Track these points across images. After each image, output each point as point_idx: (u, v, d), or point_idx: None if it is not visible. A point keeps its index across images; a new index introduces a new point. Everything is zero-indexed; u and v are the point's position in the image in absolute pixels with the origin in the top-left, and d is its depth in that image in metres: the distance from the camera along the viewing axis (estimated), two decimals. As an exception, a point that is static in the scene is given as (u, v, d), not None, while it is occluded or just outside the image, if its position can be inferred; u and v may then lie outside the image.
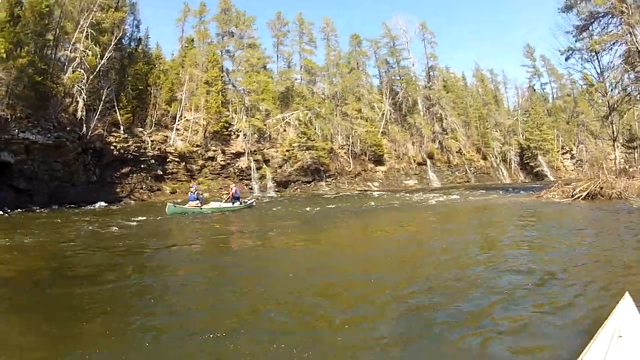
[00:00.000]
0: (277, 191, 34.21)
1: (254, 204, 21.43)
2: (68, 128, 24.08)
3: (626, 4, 23.69)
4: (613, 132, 28.31)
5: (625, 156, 37.80)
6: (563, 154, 56.83)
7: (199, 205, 17.97)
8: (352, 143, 41.23)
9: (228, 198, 20.34)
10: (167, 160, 31.45)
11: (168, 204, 17.24)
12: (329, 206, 21.09)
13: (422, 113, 49.07)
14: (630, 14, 23.52)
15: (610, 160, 32.95)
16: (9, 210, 18.24)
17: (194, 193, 18.60)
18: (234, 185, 22.22)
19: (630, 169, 26.49)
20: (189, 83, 34.00)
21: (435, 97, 49.50)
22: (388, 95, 48.21)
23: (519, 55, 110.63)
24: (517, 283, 5.35)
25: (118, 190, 27.36)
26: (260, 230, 12.87)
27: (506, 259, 6.91)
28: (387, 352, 3.62)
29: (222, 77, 37.21)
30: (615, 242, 8.69)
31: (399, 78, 50.45)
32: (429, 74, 51.68)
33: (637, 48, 23.46)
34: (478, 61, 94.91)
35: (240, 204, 20.11)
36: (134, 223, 13.64)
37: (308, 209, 19.72)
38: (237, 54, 40.08)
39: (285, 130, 38.01)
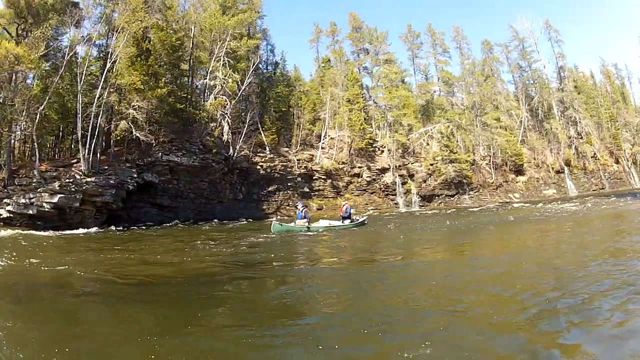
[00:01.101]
0: (422, 205, 31.14)
1: (366, 222, 19.16)
2: (214, 150, 24.54)
3: None
4: None
5: None
6: None
7: (307, 224, 16.49)
8: (493, 154, 36.47)
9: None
10: (314, 177, 30.03)
11: (273, 222, 16.04)
12: (470, 219, 20.12)
13: (557, 117, 42.44)
14: None
15: None
16: (149, 225, 19.70)
17: (302, 211, 17.09)
18: (345, 202, 20.29)
19: None
20: (330, 102, 31.91)
21: (568, 100, 42.38)
22: (524, 101, 41.87)
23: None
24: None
25: (264, 207, 26.93)
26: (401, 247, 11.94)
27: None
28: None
29: (362, 94, 34.50)
30: None
31: (532, 82, 44.13)
32: (560, 75, 44.48)
33: None
34: (603, 56, 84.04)
35: (352, 221, 18.01)
36: (261, 239, 13.29)
37: (448, 222, 18.90)
38: (374, 70, 37.37)
39: (428, 144, 34.13)
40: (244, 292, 6.19)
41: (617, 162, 46.14)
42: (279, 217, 22.48)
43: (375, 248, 12.37)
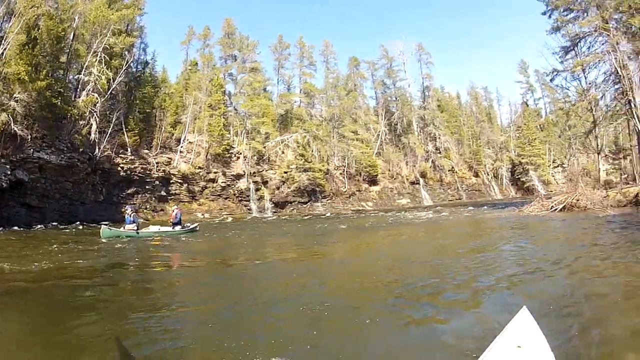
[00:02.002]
0: (275, 212, 37.59)
1: (198, 228, 21.54)
2: (80, 149, 27.07)
3: (609, 25, 27.90)
4: (597, 146, 33.06)
5: (612, 168, 42.96)
6: (554, 167, 62.17)
7: (135, 229, 18.24)
8: (347, 164, 45.28)
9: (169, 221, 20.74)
10: (171, 181, 34.49)
11: (103, 227, 17.35)
12: (324, 225, 24.25)
13: (416, 133, 53.69)
14: (612, 36, 27.57)
15: (597, 172, 36.49)
16: (13, 229, 20.83)
17: (130, 216, 18.73)
18: (176, 207, 22.09)
19: (615, 180, 32.38)
20: (193, 106, 37.40)
21: (429, 117, 54.18)
22: (384, 116, 52.75)
23: (514, 72, 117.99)
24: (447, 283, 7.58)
25: (123, 210, 28.40)
26: (259, 249, 15.20)
27: (457, 263, 9.41)
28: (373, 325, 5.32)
29: (224, 100, 40.58)
30: (558, 248, 11.49)
31: (394, 99, 55.11)
32: (424, 94, 56.43)
33: (617, 68, 27.36)
34: (473, 80, 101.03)
35: (182, 227, 20.26)
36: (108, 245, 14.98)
37: (307, 227, 23.47)
38: (239, 78, 43.93)
39: (283, 152, 41.63)
40: (106, 299, 7.03)
41: (477, 175, 58.76)
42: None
43: (227, 251, 14.77)
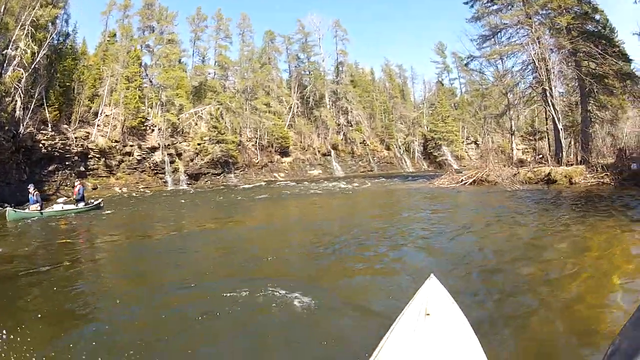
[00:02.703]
0: (189, 184, 43.18)
1: (102, 204, 22.54)
2: (6, 127, 28.99)
3: (531, 20, 31.57)
4: (511, 127, 39.40)
5: (528, 147, 50.97)
6: (468, 144, 73.65)
7: (39, 208, 19.02)
8: (259, 136, 52.61)
9: (72, 198, 22.06)
10: (89, 156, 37.88)
11: (8, 209, 18.32)
12: (237, 196, 27.73)
13: (328, 106, 62.66)
14: (534, 30, 31.39)
15: (510, 151, 41.54)
16: None
17: (34, 195, 19.31)
18: (78, 182, 22.96)
19: (529, 159, 36.07)
20: (110, 79, 41.98)
21: (342, 92, 63.25)
22: (296, 89, 61.39)
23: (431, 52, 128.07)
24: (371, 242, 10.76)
25: (46, 188, 31.46)
26: (179, 220, 17.78)
27: (363, 228, 12.77)
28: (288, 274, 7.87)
29: (140, 72, 45.87)
30: (464, 215, 14.75)
31: (308, 73, 63.73)
32: (338, 69, 65.44)
33: (534, 59, 31.70)
34: (388, 57, 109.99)
35: (86, 204, 21.33)
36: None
37: (221, 198, 26.91)
38: (156, 49, 48.81)
39: (197, 124, 47.88)
40: (42, 287, 7.75)
41: (388, 148, 68.89)
42: (60, 198, 25.53)
43: (143, 225, 16.45)
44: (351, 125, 63.24)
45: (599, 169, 23.96)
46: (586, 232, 11.03)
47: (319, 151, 58.91)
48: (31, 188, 19.81)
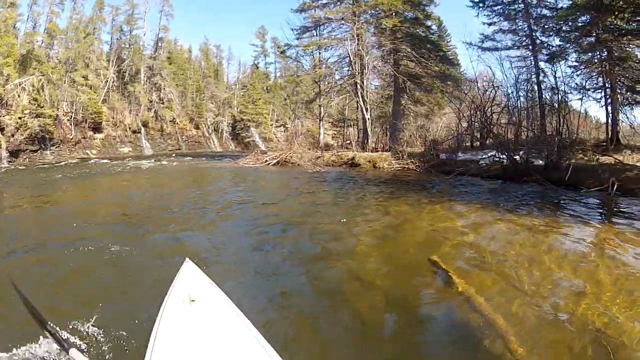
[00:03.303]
0: (10, 161, 43.01)
1: None
2: None
3: (356, 17, 36.40)
4: (320, 113, 44.80)
5: (337, 133, 58.89)
6: (277, 127, 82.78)
7: None
8: (75, 110, 55.63)
9: None
10: None
11: None
12: (54, 175, 28.03)
13: (142, 82, 68.66)
14: (356, 28, 36.02)
15: (318, 135, 46.03)
16: None
17: None
18: None
19: (336, 144, 43.25)
20: None
21: (158, 68, 69.74)
22: (115, 62, 66.35)
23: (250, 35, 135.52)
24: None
25: None
26: None
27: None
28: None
29: None
30: (263, 191, 18.37)
31: (128, 46, 68.99)
32: (157, 45, 71.95)
33: (350, 54, 36.77)
34: (208, 36, 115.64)
35: None
36: None
37: (38, 176, 27.76)
38: None
39: (20, 97, 49.09)
40: None
41: (197, 127, 75.94)
42: None
43: None
44: (163, 103, 68.70)
45: (405, 156, 27.68)
46: (382, 202, 14.65)
47: (129, 128, 63.09)
48: None
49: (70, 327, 5.40)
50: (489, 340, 5.43)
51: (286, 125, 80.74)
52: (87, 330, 5.41)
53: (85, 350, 4.93)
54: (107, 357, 4.90)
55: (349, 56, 37.40)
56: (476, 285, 7.07)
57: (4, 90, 46.22)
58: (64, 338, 3.76)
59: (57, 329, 4.69)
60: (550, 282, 7.25)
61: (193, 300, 4.29)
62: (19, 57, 50.95)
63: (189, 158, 45.90)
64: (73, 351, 3.54)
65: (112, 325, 5.52)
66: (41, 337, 4.08)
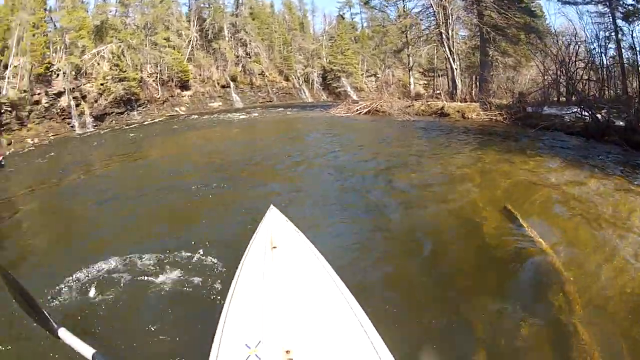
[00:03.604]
0: (95, 125, 46.20)
1: (3, 162, 22.46)
2: None
3: None
4: (409, 63, 45.32)
5: (427, 83, 59.31)
6: (368, 76, 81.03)
7: None
8: (160, 71, 57.54)
9: None
10: (2, 111, 39.51)
11: None
12: (142, 134, 30.63)
13: (227, 39, 69.37)
14: None
15: (408, 85, 46.97)
16: None
17: None
18: None
19: (427, 94, 43.34)
20: (18, 28, 43.88)
21: (241, 24, 69.94)
22: (195, 22, 67.16)
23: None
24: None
25: None
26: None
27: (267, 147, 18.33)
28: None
29: (45, 17, 48.67)
30: (354, 138, 19.49)
31: (207, 6, 69.57)
32: (238, 2, 71.89)
33: (432, 4, 37.12)
34: None
35: None
36: None
37: (128, 135, 30.47)
38: None
39: (99, 64, 51.48)
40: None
41: (287, 79, 76.08)
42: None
43: (58, 172, 18.09)
44: (250, 57, 69.18)
45: (492, 107, 27.83)
46: (471, 152, 14.97)
47: (218, 83, 64.37)
48: None
49: (153, 258, 6.90)
50: (548, 284, 6.07)
51: (377, 75, 78.57)
52: (171, 268, 6.67)
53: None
54: (195, 291, 5.91)
55: (432, 6, 37.08)
56: (560, 238, 7.67)
57: (82, 60, 48.48)
58: (51, 316, 3.54)
59: (46, 307, 5.13)
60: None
61: (275, 247, 4.49)
62: (92, 29, 52.65)
63: (280, 109, 47.22)
64: (62, 331, 3.45)
65: (196, 268, 6.55)
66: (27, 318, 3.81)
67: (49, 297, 6.17)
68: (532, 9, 36.66)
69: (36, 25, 45.60)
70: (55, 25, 50.58)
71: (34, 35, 44.85)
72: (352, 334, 3.29)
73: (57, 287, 6.48)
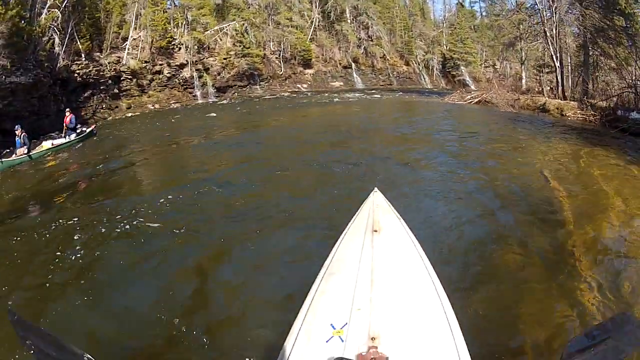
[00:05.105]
0: (217, 96, 45.10)
1: (95, 131, 21.98)
2: (46, 64, 30.04)
3: None
4: (521, 58, 42.61)
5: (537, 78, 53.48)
6: (486, 67, 73.44)
7: (26, 152, 16.99)
8: (283, 49, 54.26)
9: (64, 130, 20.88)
10: (122, 79, 39.61)
11: None
12: (265, 107, 31.79)
13: (349, 21, 64.02)
14: None
15: (520, 79, 44.35)
16: None
17: (20, 137, 17.20)
18: (68, 111, 21.64)
19: (537, 89, 39.13)
20: (136, 4, 43.06)
21: (362, 7, 64.45)
22: (318, 4, 62.17)
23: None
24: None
25: (83, 114, 32.73)
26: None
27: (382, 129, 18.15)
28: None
29: None
30: (458, 127, 19.37)
31: None
32: None
33: (536, 2, 34.91)
34: None
35: (77, 134, 20.23)
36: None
37: (250, 108, 31.09)
38: None
39: (222, 40, 49.40)
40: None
41: (408, 64, 70.13)
42: (95, 124, 27.32)
43: (176, 136, 19.75)
44: (371, 40, 64.59)
45: (588, 108, 26.39)
46: (561, 146, 14.43)
47: (340, 64, 60.56)
48: (17, 129, 17.68)
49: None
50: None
51: (495, 66, 71.52)
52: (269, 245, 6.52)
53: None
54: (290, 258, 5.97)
55: (536, 3, 35.51)
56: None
57: (204, 36, 47.06)
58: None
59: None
60: None
61: (375, 231, 4.00)
62: (214, 7, 50.92)
63: (399, 93, 45.22)
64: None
65: (295, 247, 6.35)
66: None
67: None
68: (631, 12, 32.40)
69: (156, 2, 44.34)
70: (174, 3, 49.02)
71: (154, 11, 43.63)
72: (439, 335, 3.00)
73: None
